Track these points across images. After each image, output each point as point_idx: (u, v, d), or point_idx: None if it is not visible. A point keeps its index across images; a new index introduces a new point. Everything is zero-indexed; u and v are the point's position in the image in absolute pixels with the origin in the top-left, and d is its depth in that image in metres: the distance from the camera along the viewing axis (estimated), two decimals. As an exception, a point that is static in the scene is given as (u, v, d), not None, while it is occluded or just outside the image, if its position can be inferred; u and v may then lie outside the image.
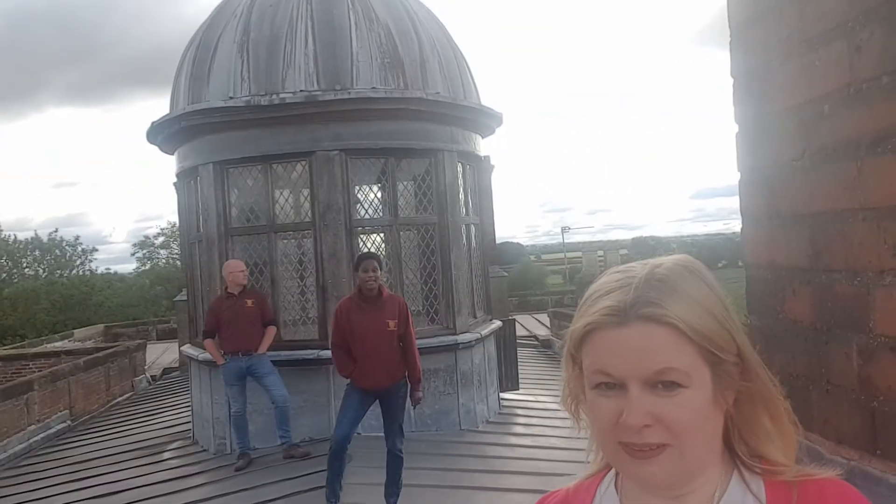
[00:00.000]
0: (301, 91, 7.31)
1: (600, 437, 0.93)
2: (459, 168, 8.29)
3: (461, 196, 8.30)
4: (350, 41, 7.54)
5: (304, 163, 7.57)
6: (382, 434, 5.66)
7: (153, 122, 8.00)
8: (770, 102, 1.54)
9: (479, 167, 9.02)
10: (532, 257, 74.12)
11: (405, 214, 8.18)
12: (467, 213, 8.51)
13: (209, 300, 7.43)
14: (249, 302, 6.92)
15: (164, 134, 7.99)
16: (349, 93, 7.34)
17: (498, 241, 12.80)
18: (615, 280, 0.94)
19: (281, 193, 7.90)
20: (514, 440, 7.84)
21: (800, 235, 1.45)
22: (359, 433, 6.51)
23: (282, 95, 7.26)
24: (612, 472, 1.01)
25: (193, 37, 8.20)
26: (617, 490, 0.99)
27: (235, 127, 7.41)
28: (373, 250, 8.20)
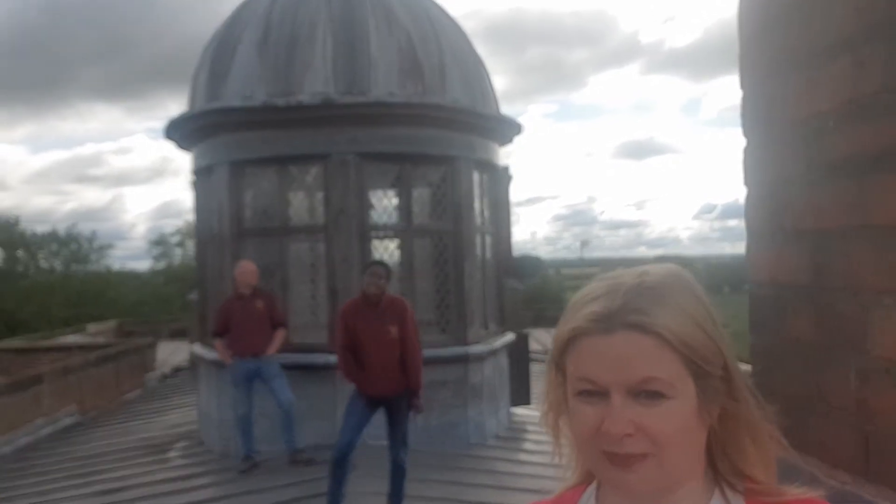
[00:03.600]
0: (318, 93, 7.33)
1: (581, 444, 0.91)
2: (476, 176, 8.27)
3: (477, 205, 8.27)
4: (369, 45, 7.56)
5: (318, 165, 7.58)
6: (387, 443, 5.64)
7: (171, 119, 8.06)
8: (776, 116, 1.52)
9: (497, 177, 9.00)
10: (551, 271, 73.81)
11: (419, 222, 8.17)
12: (483, 223, 8.48)
13: (219, 300, 7.44)
14: (259, 304, 6.92)
15: (182, 131, 8.05)
16: (366, 96, 7.35)
17: (515, 253, 12.77)
18: (602, 287, 0.92)
19: (295, 195, 7.92)
20: (523, 456, 7.73)
21: (802, 253, 1.42)
22: (364, 442, 6.49)
23: (299, 97, 7.28)
24: (594, 485, 1.00)
25: (214, 35, 8.24)
26: (597, 502, 0.98)
27: (252, 127, 7.44)
28: (385, 257, 8.20)
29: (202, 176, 8.17)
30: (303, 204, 8.20)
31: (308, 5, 7.75)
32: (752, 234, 1.67)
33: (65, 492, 7.14)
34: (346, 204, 7.40)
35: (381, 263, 5.86)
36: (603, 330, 0.87)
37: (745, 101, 1.69)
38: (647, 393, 0.86)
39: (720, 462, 0.94)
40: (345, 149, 7.41)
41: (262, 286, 7.24)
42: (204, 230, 8.30)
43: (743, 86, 1.70)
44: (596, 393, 0.87)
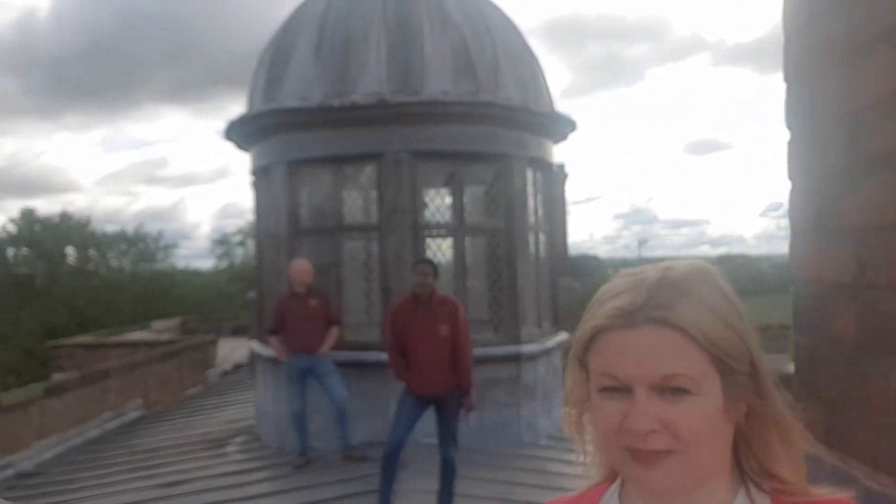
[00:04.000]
0: (372, 93, 7.40)
1: (604, 441, 0.91)
2: (529, 174, 8.23)
3: (530, 203, 8.23)
4: (423, 44, 7.59)
5: (372, 164, 7.65)
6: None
7: (230, 120, 8.25)
8: (820, 109, 1.47)
9: (551, 174, 8.93)
10: (610, 271, 72.93)
11: (472, 220, 8.17)
12: (536, 221, 8.43)
13: (276, 298, 7.58)
14: (314, 302, 7.02)
15: (241, 132, 8.22)
16: (419, 96, 7.39)
17: (571, 253, 12.65)
18: (626, 282, 0.92)
19: (349, 194, 8.00)
20: (575, 457, 7.65)
21: (846, 249, 1.38)
22: (416, 440, 6.52)
23: (353, 97, 7.36)
24: (617, 483, 0.99)
25: (272, 38, 8.40)
26: (620, 500, 0.98)
27: (307, 127, 7.55)
28: (438, 255, 8.23)
29: (260, 176, 8.34)
30: (357, 203, 8.28)
31: (363, 7, 7.83)
32: (796, 231, 1.63)
33: (128, 483, 7.38)
34: (400, 203, 7.44)
35: (427, 261, 5.87)
36: (626, 325, 0.87)
37: (789, 93, 1.64)
38: (671, 389, 0.85)
39: (746, 461, 0.92)
40: (398, 148, 7.47)
41: (317, 284, 7.34)
42: (262, 229, 8.46)
43: (787, 78, 1.65)
44: (619, 389, 0.87)
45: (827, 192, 1.46)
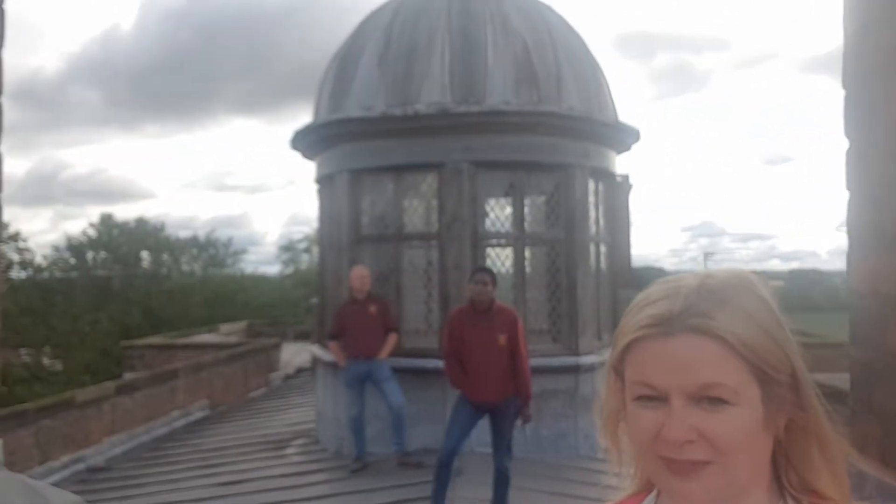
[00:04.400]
0: (434, 103, 7.46)
1: (640, 450, 0.89)
2: (591, 184, 8.16)
3: (591, 213, 8.16)
4: (485, 54, 7.63)
5: (433, 174, 7.71)
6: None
7: (296, 130, 8.43)
8: (879, 117, 1.42)
9: (614, 185, 8.84)
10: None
11: (532, 230, 8.13)
12: (597, 232, 8.34)
13: (337, 304, 7.69)
14: (373, 308, 7.10)
15: (306, 141, 8.39)
16: (481, 105, 7.42)
17: (635, 264, 12.46)
18: (664, 289, 0.90)
19: (410, 203, 8.07)
20: (611, 467, 7.52)
21: (904, 261, 1.32)
22: (472, 448, 6.51)
23: (415, 107, 7.44)
24: (653, 494, 0.97)
25: (339, 49, 8.55)
26: None
27: (370, 137, 7.66)
28: (497, 264, 8.22)
29: (324, 184, 8.49)
30: (418, 211, 8.35)
31: (427, 17, 7.91)
32: (854, 241, 1.57)
33: (191, 481, 7.57)
34: (460, 211, 7.47)
35: (485, 270, 5.86)
36: (663, 333, 0.85)
37: (848, 101, 1.59)
38: (709, 399, 0.83)
39: (785, 474, 0.90)
40: (459, 157, 7.50)
41: (377, 291, 7.43)
42: (325, 236, 8.61)
43: (845, 85, 1.60)
44: (655, 398, 0.85)
45: (885, 201, 1.41)
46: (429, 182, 7.94)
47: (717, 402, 0.83)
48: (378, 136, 7.63)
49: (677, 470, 0.84)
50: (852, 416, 1.51)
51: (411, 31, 7.82)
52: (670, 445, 0.83)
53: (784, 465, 0.90)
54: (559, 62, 7.86)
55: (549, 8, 8.65)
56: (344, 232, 7.88)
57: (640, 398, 0.87)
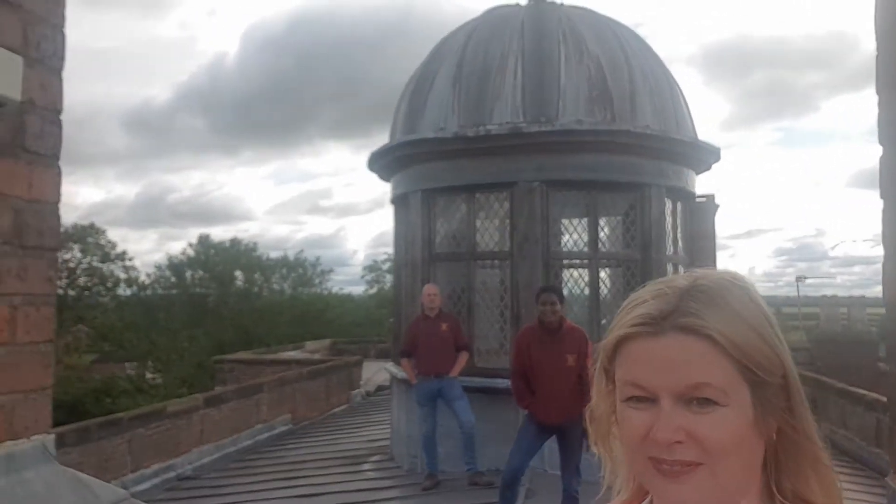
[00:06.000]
0: (506, 123, 7.51)
1: (629, 452, 0.88)
2: (668, 204, 8.02)
3: (668, 233, 8.01)
4: (558, 74, 7.64)
5: (505, 193, 7.74)
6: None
7: (372, 152, 8.64)
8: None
9: (694, 204, 8.65)
10: (772, 310, 68.55)
11: (606, 249, 8.04)
12: (675, 252, 8.18)
13: (410, 321, 7.80)
14: (444, 326, 7.16)
15: (381, 162, 8.59)
16: (553, 125, 7.42)
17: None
18: (653, 290, 0.90)
19: (482, 222, 8.13)
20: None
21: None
22: (544, 470, 6.45)
23: (488, 127, 7.51)
24: (647, 501, 0.95)
25: (414, 72, 8.74)
26: None
27: (443, 157, 7.78)
28: (571, 285, 8.16)
29: (399, 204, 8.65)
30: (490, 230, 8.39)
31: (501, 39, 7.99)
32: (890, 252, 1.53)
33: (271, 493, 7.78)
34: (532, 231, 7.48)
35: (551, 289, 5.83)
36: (652, 333, 0.85)
37: (881, 107, 1.55)
38: (698, 400, 0.82)
39: (775, 482, 0.88)
40: (531, 177, 7.52)
41: (448, 309, 7.49)
42: (399, 256, 8.76)
43: (879, 90, 1.57)
44: (645, 398, 0.85)
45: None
46: (501, 201, 7.98)
47: (705, 402, 0.82)
48: (451, 156, 7.73)
49: (667, 472, 0.83)
50: (891, 433, 1.49)
51: (484, 53, 7.92)
52: (659, 446, 0.83)
53: (774, 471, 0.88)
54: (634, 80, 7.79)
55: (624, 26, 8.60)
56: (418, 251, 8.01)
57: (629, 399, 0.86)
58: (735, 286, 0.88)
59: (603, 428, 0.95)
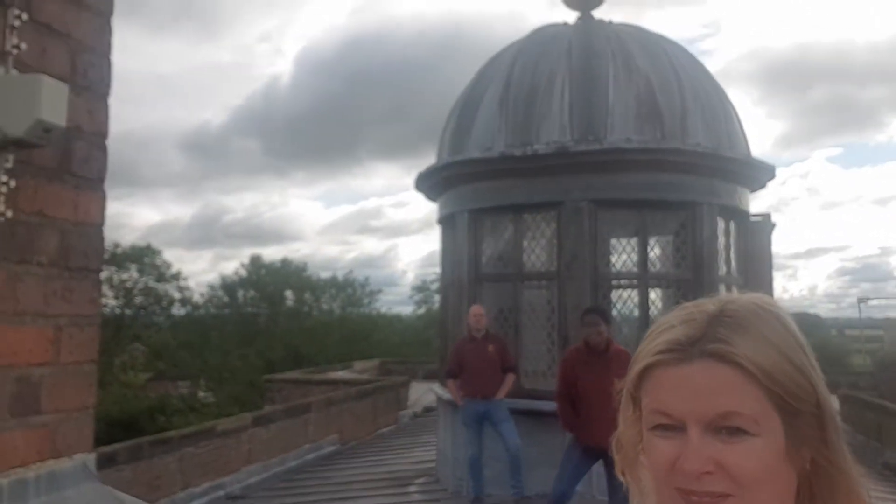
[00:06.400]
0: (553, 142, 7.47)
1: (656, 482, 0.85)
2: (721, 223, 7.85)
3: (721, 253, 7.84)
4: (607, 92, 7.57)
5: (553, 213, 7.68)
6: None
7: (419, 173, 8.67)
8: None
9: (748, 223, 8.45)
10: (833, 331, 67.15)
11: (657, 270, 7.90)
12: (728, 272, 7.99)
13: (456, 342, 7.76)
14: (491, 347, 7.10)
15: (428, 183, 8.61)
16: (601, 144, 7.35)
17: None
18: (681, 315, 0.87)
19: (529, 242, 8.07)
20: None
21: None
22: (592, 495, 6.32)
23: (535, 147, 7.48)
24: None
25: (462, 93, 8.77)
26: None
27: (490, 177, 7.76)
28: (619, 305, 8.03)
29: (445, 225, 8.66)
30: (537, 251, 8.32)
31: (548, 58, 7.97)
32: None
33: (317, 513, 7.81)
34: (579, 251, 7.39)
35: (595, 310, 5.75)
36: (680, 360, 0.82)
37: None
38: (727, 429, 0.80)
39: None
40: (579, 196, 7.44)
41: (495, 330, 7.43)
42: (446, 276, 8.74)
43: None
44: (672, 427, 0.82)
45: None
46: (548, 221, 7.92)
47: (735, 432, 0.79)
48: (497, 176, 7.71)
49: (695, 502, 0.80)
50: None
51: (531, 73, 7.91)
52: (688, 477, 0.80)
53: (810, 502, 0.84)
54: (684, 98, 7.68)
55: (674, 43, 8.50)
56: (464, 271, 7.98)
57: (656, 427, 0.84)
58: (766, 311, 0.85)
59: (630, 456, 0.93)
